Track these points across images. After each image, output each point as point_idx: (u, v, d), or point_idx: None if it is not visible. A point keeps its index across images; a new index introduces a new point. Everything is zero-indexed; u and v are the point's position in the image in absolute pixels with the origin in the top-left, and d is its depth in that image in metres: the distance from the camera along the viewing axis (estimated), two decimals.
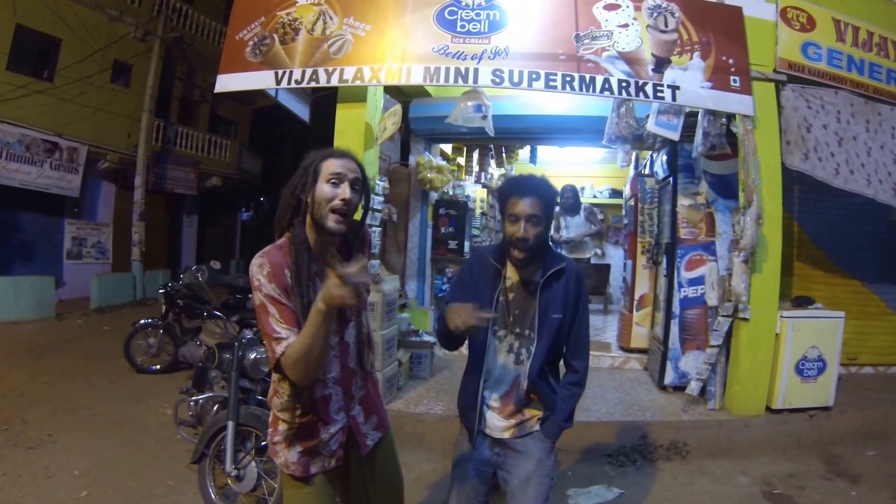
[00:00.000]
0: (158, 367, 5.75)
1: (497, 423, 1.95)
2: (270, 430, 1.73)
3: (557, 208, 6.28)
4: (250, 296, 5.32)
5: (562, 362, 2.03)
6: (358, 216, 1.70)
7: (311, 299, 1.48)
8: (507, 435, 1.93)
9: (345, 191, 1.55)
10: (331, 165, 1.57)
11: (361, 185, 1.62)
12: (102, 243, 12.23)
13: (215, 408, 3.31)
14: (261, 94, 4.83)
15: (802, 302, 4.45)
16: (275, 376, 1.64)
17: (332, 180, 1.55)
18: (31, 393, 4.90)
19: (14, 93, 9.79)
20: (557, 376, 2.00)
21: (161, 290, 5.79)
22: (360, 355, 1.72)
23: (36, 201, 10.59)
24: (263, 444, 2.87)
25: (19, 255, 10.54)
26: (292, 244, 1.57)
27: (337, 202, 1.53)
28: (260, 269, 1.52)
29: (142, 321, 5.82)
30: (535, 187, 1.85)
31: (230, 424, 2.81)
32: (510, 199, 1.85)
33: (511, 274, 1.96)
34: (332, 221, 1.54)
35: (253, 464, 2.86)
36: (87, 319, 9.03)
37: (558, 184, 6.92)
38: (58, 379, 5.39)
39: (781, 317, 4.17)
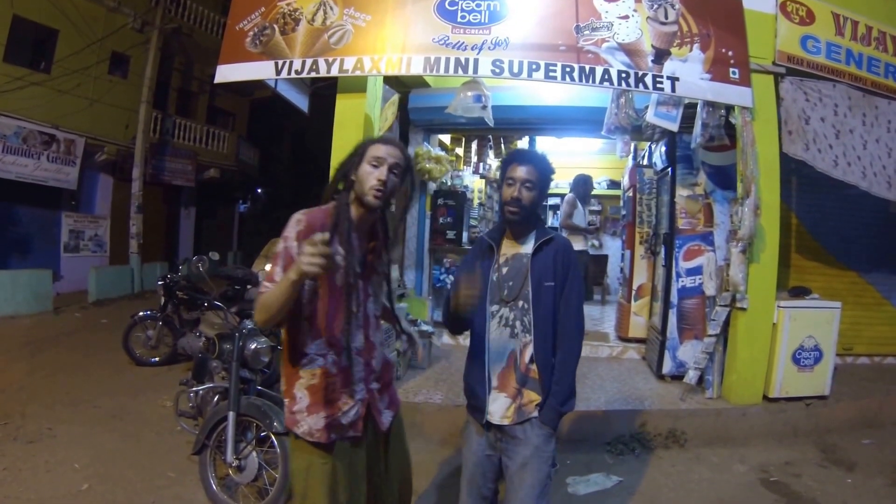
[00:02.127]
0: (157, 359, 5.75)
1: (498, 405, 1.97)
2: (287, 400, 1.78)
3: (572, 195, 6.38)
4: (249, 287, 5.36)
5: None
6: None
7: (347, 260, 1.72)
8: (506, 422, 1.95)
9: (382, 172, 1.71)
10: (375, 150, 1.74)
11: (402, 172, 1.77)
12: (100, 236, 12.18)
13: (216, 398, 3.31)
14: (259, 85, 4.81)
15: (799, 292, 4.48)
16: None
17: (373, 163, 1.72)
18: (29, 387, 4.89)
19: (11, 84, 9.72)
20: None
21: (160, 282, 5.77)
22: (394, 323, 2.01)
23: (33, 194, 10.53)
24: (264, 434, 2.89)
25: (16, 249, 10.49)
26: (336, 207, 1.75)
27: (373, 181, 1.70)
28: (296, 225, 1.70)
29: (140, 313, 5.80)
30: (533, 158, 2.03)
31: (231, 415, 2.82)
32: (510, 165, 2.02)
33: (505, 249, 2.05)
34: (370, 197, 1.71)
35: (254, 454, 2.87)
36: (84, 313, 9.01)
37: (571, 173, 7.02)
38: (57, 373, 5.39)
39: (778, 307, 4.19)
